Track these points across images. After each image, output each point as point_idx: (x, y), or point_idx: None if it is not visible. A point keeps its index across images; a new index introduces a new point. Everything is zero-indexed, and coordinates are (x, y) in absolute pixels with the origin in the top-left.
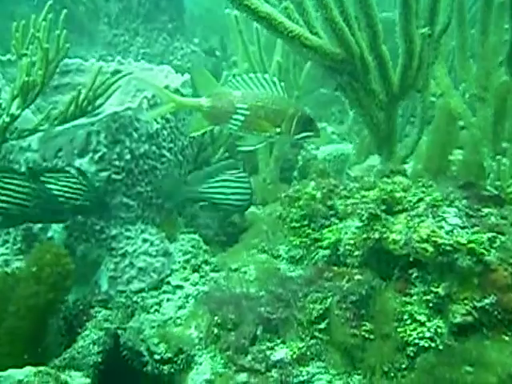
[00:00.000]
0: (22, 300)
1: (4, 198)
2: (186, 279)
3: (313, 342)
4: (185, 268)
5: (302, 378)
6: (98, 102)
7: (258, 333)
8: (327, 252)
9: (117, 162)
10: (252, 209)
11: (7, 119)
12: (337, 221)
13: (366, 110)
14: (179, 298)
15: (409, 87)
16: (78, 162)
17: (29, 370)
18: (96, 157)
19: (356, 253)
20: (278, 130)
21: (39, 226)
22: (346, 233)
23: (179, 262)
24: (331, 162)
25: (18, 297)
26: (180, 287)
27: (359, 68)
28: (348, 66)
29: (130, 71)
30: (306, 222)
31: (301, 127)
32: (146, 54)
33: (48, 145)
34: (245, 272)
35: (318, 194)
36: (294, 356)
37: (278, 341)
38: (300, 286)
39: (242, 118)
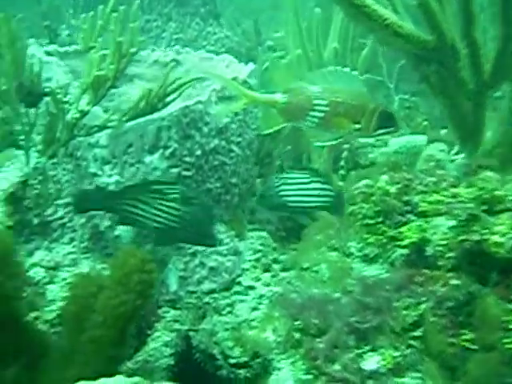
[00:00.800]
0: (110, 309)
1: (156, 218)
2: (258, 279)
3: (408, 351)
4: (255, 267)
5: None
6: (169, 98)
7: (350, 342)
8: (405, 251)
9: (187, 158)
10: None
11: (77, 115)
12: (414, 217)
13: (452, 101)
14: (252, 299)
15: (502, 75)
16: (148, 159)
17: (124, 380)
18: (167, 153)
19: (449, 255)
20: (358, 126)
21: (106, 223)
22: (435, 233)
23: (249, 261)
24: (403, 154)
25: (104, 305)
26: (252, 288)
27: (449, 56)
28: (438, 55)
29: (189, 63)
30: (380, 219)
31: (381, 123)
32: (179, 40)
33: (117, 141)
34: (317, 271)
35: (393, 189)
36: (389, 366)
37: (366, 348)
38: (389, 291)
39: (320, 115)
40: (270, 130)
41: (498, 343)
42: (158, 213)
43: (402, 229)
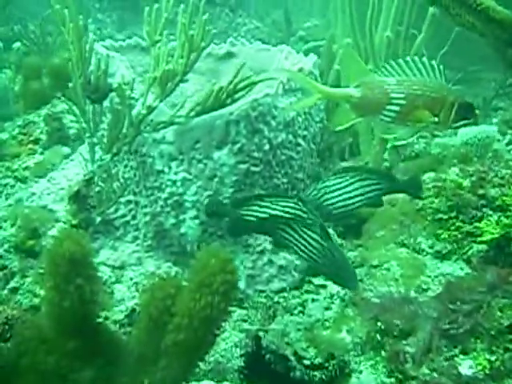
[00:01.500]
0: (196, 311)
1: (300, 246)
2: None
3: (506, 355)
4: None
5: None
6: (238, 95)
7: (441, 345)
8: (483, 247)
9: (256, 154)
10: None
11: (144, 111)
12: (490, 212)
13: None
14: (324, 298)
15: None
16: (216, 155)
17: None
18: (235, 148)
19: None
20: (436, 119)
21: (171, 221)
22: None
23: None
24: (474, 146)
25: (189, 307)
26: (323, 286)
27: None
28: None
29: (245, 55)
30: (453, 214)
31: (461, 116)
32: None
33: (184, 137)
34: (388, 269)
35: (466, 183)
36: (486, 371)
37: (456, 350)
38: (481, 291)
39: (397, 109)
40: (343, 127)
41: None
42: (305, 243)
43: (480, 224)
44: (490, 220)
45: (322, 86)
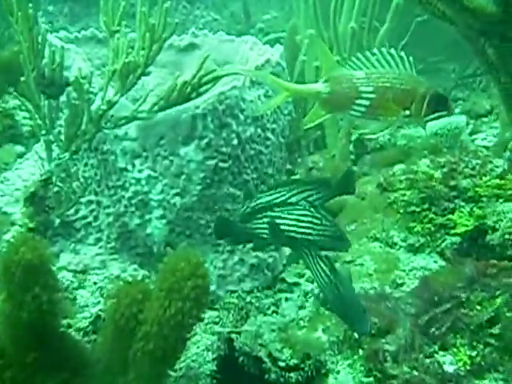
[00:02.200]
0: (165, 319)
1: (314, 276)
2: (301, 275)
3: (486, 350)
4: (297, 263)
5: None
6: (203, 88)
7: (421, 342)
8: (456, 239)
9: (224, 149)
10: None
11: (104, 106)
12: (462, 203)
13: (510, 78)
14: (298, 296)
15: None
16: (182, 151)
17: None
18: (202, 143)
19: None
20: (407, 112)
21: (136, 221)
22: (501, 220)
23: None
24: (443, 136)
25: (158, 315)
26: (296, 284)
27: None
28: (502, 27)
29: (208, 46)
30: (426, 206)
31: (433, 108)
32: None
33: (148, 132)
34: (361, 264)
35: (437, 174)
36: (467, 366)
37: (436, 347)
38: (459, 285)
39: (366, 103)
40: (313, 124)
41: None
42: (318, 274)
43: (452, 216)
44: (462, 211)
45: (288, 83)
